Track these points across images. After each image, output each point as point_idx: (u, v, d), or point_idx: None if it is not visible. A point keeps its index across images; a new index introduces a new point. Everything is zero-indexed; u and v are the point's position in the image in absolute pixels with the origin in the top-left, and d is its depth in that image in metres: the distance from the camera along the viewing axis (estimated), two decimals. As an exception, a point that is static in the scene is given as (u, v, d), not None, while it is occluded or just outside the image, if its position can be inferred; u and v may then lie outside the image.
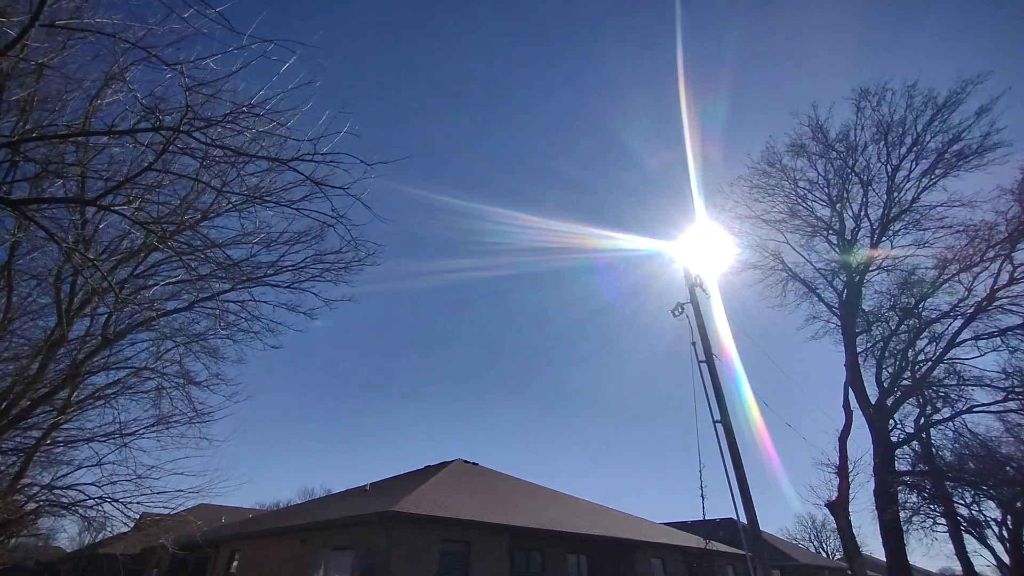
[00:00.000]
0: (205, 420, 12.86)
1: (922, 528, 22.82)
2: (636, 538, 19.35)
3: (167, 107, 5.37)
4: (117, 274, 11.05)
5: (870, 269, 21.20)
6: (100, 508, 11.28)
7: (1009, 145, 17.86)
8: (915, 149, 19.48)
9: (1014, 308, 17.99)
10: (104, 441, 12.00)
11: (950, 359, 19.79)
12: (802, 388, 74.15)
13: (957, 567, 26.87)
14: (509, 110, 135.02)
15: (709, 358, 11.40)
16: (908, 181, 20.06)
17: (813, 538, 58.19)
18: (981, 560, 26.42)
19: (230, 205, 9.36)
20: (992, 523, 25.61)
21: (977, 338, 18.98)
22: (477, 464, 23.09)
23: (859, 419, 20.00)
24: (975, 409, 19.23)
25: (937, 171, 19.34)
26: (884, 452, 19.12)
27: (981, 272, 18.33)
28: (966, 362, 19.83)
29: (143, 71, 5.58)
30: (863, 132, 20.19)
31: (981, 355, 19.23)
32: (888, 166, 20.20)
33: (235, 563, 19.83)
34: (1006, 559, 25.42)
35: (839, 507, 18.92)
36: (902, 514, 19.85)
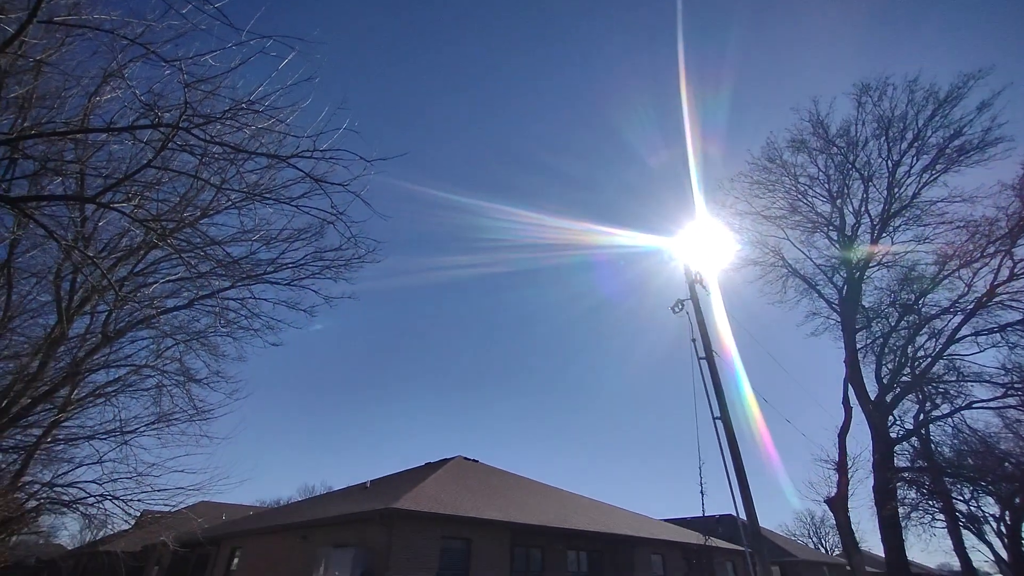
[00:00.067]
0: (205, 417, 12.90)
1: (921, 524, 22.87)
2: (636, 534, 19.39)
3: (166, 104, 5.36)
4: (117, 272, 11.04)
5: (870, 265, 21.20)
6: (101, 506, 11.30)
7: (1010, 140, 17.86)
8: (916, 144, 19.45)
9: (1014, 304, 18.00)
10: (105, 439, 12.02)
11: (950, 355, 19.81)
12: (802, 384, 74.28)
13: (955, 563, 27.01)
14: (508, 105, 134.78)
15: (709, 355, 11.41)
16: (909, 177, 20.05)
17: (812, 534, 58.42)
18: (979, 556, 26.57)
19: (229, 202, 9.36)
20: (990, 519, 25.70)
21: (977, 334, 18.99)
22: (477, 461, 23.12)
23: (859, 415, 20.06)
24: (974, 405, 19.26)
25: (938, 166, 19.32)
26: (883, 448, 19.16)
27: (981, 268, 18.34)
28: (966, 358, 19.86)
29: (142, 68, 5.56)
30: (864, 127, 20.17)
31: (981, 351, 19.27)
32: (889, 161, 20.17)
33: (236, 560, 19.87)
34: (1004, 555, 25.49)
35: (838, 503, 18.97)
36: (901, 510, 19.87)
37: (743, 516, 9.89)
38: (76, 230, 10.01)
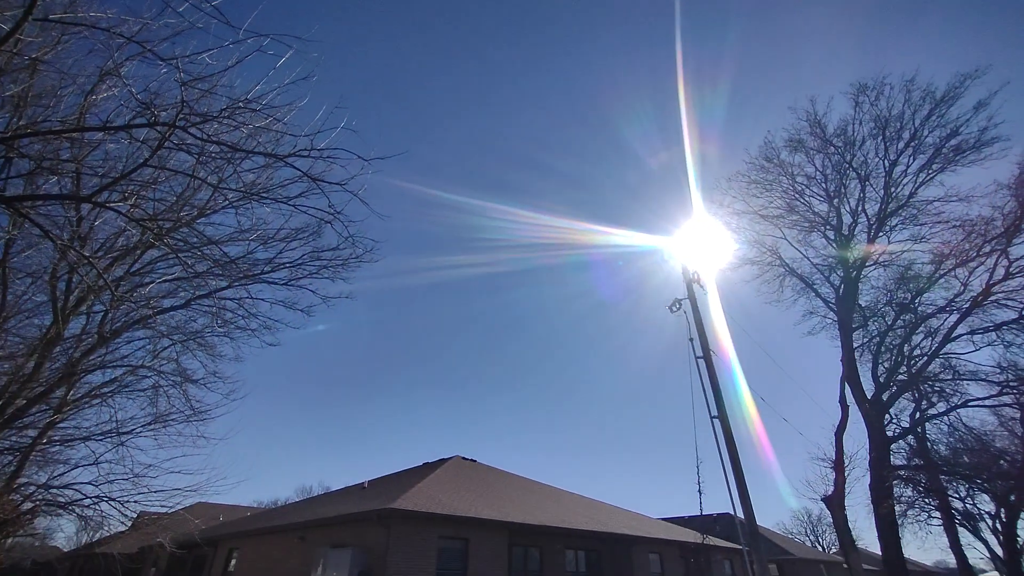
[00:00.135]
0: (202, 418, 12.86)
1: (917, 522, 22.96)
2: (634, 534, 19.42)
3: (163, 103, 5.32)
4: (113, 272, 10.99)
5: (867, 264, 21.26)
6: (97, 507, 11.27)
7: (1007, 140, 17.90)
8: (913, 144, 19.50)
9: (1009, 303, 18.07)
10: (101, 440, 11.98)
11: (945, 354, 19.87)
12: (798, 383, 74.63)
13: (951, 560, 27.16)
14: (506, 103, 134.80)
15: (706, 354, 11.43)
16: (905, 176, 20.09)
17: (809, 532, 58.68)
18: (975, 553, 26.69)
19: (227, 202, 9.34)
20: (986, 516, 25.84)
21: (973, 333, 19.07)
22: (475, 461, 23.13)
23: (855, 414, 20.11)
24: (970, 403, 19.32)
25: (934, 166, 19.37)
26: (880, 446, 19.23)
27: (977, 267, 18.40)
28: (961, 357, 19.91)
29: (138, 66, 5.53)
30: (861, 127, 20.20)
31: (976, 350, 19.33)
32: (886, 161, 20.23)
33: (233, 561, 19.82)
34: (999, 552, 25.66)
35: (835, 501, 19.03)
36: (897, 508, 19.95)
37: (741, 515, 9.92)
38: (72, 229, 9.96)
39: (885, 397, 20.34)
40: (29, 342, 11.50)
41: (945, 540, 24.96)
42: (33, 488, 11.75)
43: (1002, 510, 24.84)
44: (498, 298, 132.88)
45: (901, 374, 20.89)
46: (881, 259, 21.15)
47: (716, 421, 10.68)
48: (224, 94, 5.14)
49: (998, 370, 18.88)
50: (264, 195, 7.42)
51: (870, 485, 19.09)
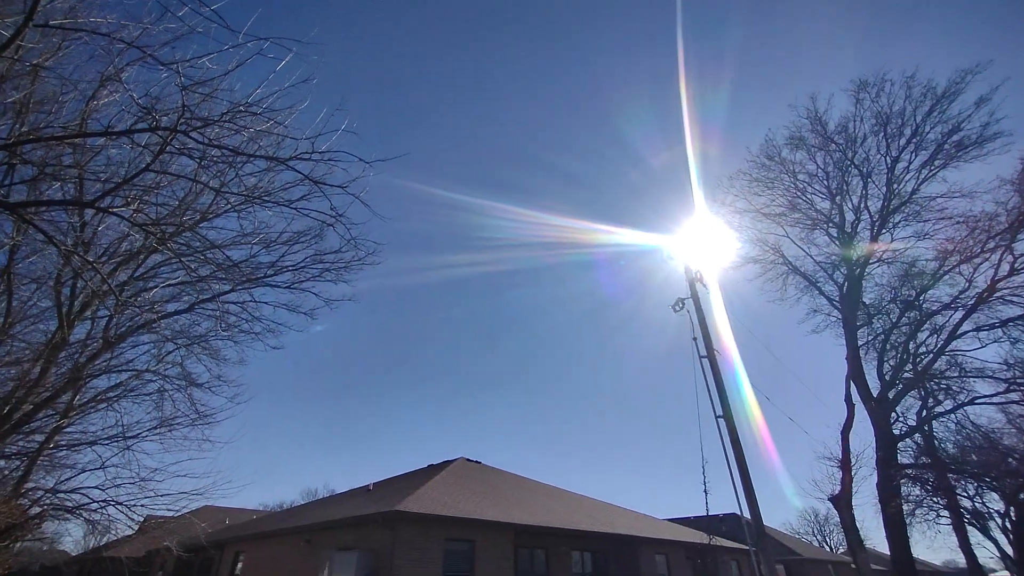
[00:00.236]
0: (208, 422, 12.91)
1: (925, 521, 22.84)
2: (640, 534, 19.35)
3: (164, 107, 5.35)
4: (117, 277, 11.04)
5: (870, 262, 21.16)
6: (104, 511, 11.31)
7: (1009, 135, 17.81)
8: (914, 140, 19.42)
9: (1015, 299, 17.96)
10: (107, 444, 12.03)
11: (951, 351, 19.77)
12: (803, 382, 74.16)
13: (961, 560, 26.90)
14: (508, 103, 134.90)
15: (710, 353, 11.39)
16: (908, 172, 20.02)
17: (816, 532, 58.27)
18: (984, 552, 26.45)
19: (229, 206, 9.34)
20: (995, 515, 25.64)
21: (978, 329, 18.95)
22: (480, 462, 23.09)
23: (861, 412, 20.00)
24: (977, 401, 19.21)
25: (937, 162, 19.29)
26: (886, 445, 19.11)
27: (982, 263, 18.31)
28: (967, 354, 19.81)
29: (139, 71, 5.57)
30: (862, 124, 20.14)
31: (982, 346, 19.23)
32: (887, 158, 20.15)
33: (239, 564, 19.85)
34: (1010, 551, 25.44)
35: (842, 501, 18.91)
36: (905, 507, 19.82)
37: (747, 515, 9.86)
38: (76, 235, 10.02)
39: (891, 395, 20.22)
40: (35, 347, 11.56)
41: (954, 539, 24.77)
42: (41, 492, 11.81)
43: (1012, 509, 24.64)
44: (502, 298, 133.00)
45: (907, 372, 20.78)
46: (885, 256, 21.06)
47: (721, 421, 10.63)
48: (225, 98, 5.16)
49: (1005, 367, 18.78)
50: (266, 199, 7.44)
51: (877, 484, 18.97)
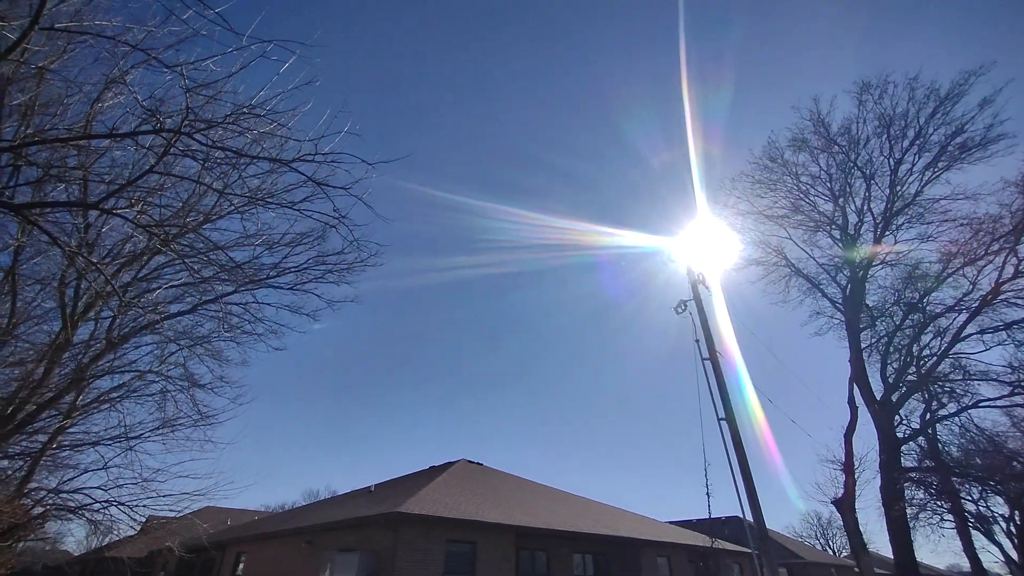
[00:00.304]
0: (210, 423, 12.92)
1: (929, 524, 22.67)
2: (642, 537, 19.30)
3: (168, 109, 5.38)
4: (120, 278, 11.08)
5: (873, 264, 21.10)
6: (107, 511, 11.32)
7: (1012, 137, 17.77)
8: (918, 142, 19.37)
9: (1019, 301, 17.88)
10: (110, 445, 12.05)
11: (955, 354, 19.66)
12: (806, 385, 73.91)
13: (965, 563, 26.73)
14: (511, 105, 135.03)
15: (713, 356, 11.36)
16: (911, 174, 19.96)
17: (819, 536, 58.02)
18: (989, 556, 26.28)
19: (232, 207, 9.36)
20: (1000, 519, 25.48)
21: (982, 332, 18.85)
22: (482, 464, 23.07)
23: (864, 415, 19.91)
24: (981, 404, 19.10)
25: (940, 164, 19.23)
26: (890, 448, 19.02)
27: (985, 266, 18.23)
28: (971, 356, 19.69)
29: (144, 74, 5.61)
30: (865, 126, 20.11)
31: (987, 349, 19.12)
32: (891, 159, 20.10)
33: (241, 565, 19.87)
34: (1014, 555, 25.26)
35: (845, 504, 18.83)
36: (909, 510, 19.71)
37: (750, 518, 9.83)
38: (80, 236, 10.06)
39: (895, 398, 20.13)
40: (38, 348, 11.61)
41: (958, 543, 24.59)
42: (44, 493, 11.85)
43: (1016, 513, 24.48)
44: (504, 299, 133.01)
45: (910, 374, 20.68)
46: (888, 258, 20.99)
47: (723, 423, 10.59)
48: (228, 100, 5.19)
49: (1009, 370, 18.67)
50: (269, 200, 7.46)
51: (881, 487, 18.87)
